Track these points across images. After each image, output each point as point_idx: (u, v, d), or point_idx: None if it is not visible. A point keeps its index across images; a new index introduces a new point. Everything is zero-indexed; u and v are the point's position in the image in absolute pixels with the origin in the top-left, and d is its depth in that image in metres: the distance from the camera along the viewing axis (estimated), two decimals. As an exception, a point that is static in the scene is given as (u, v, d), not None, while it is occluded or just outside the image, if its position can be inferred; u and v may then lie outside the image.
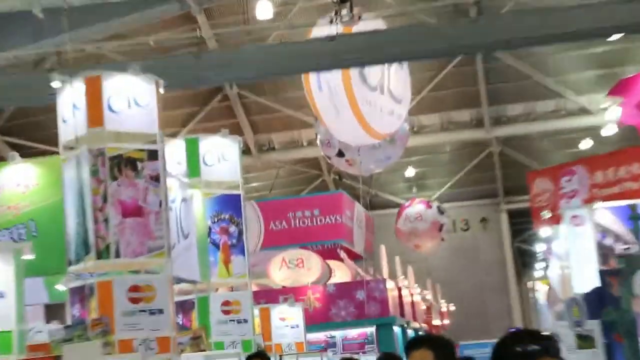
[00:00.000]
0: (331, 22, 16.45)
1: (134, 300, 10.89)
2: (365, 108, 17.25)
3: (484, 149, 31.83)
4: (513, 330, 3.45)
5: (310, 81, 17.91)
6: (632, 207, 10.34)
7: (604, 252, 13.98)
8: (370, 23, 17.45)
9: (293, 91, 27.76)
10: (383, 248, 26.49)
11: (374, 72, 17.78)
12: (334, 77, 17.45)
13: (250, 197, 24.87)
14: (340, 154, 19.67)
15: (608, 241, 14.38)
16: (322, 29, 16.98)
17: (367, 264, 28.26)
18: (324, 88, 17.16)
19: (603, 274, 13.17)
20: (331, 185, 32.89)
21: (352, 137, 18.36)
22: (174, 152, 14.41)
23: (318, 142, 21.27)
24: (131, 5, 17.31)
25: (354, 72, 17.29)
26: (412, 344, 4.49)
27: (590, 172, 20.94)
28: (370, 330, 22.55)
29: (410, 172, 32.95)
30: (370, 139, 18.34)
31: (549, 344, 3.08)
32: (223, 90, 28.85)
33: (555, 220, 18.85)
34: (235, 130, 27.22)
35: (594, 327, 11.59)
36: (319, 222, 25.70)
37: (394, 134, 19.89)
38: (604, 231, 14.22)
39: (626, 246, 14.11)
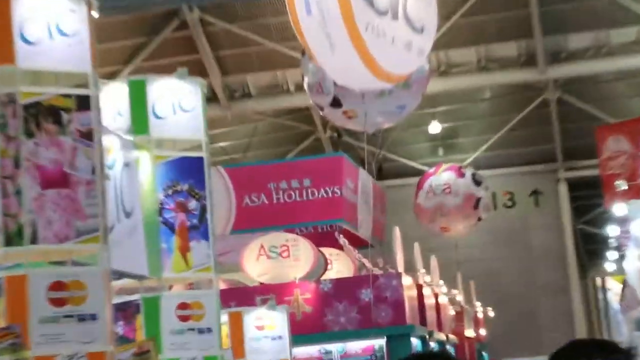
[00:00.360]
0: None
1: (57, 302, 10.88)
2: (370, 38, 16.98)
3: (536, 96, 31.79)
4: (574, 341, 3.48)
5: (295, 1, 17.67)
6: None
7: None
8: None
9: (274, 16, 27.64)
10: (397, 231, 26.53)
11: None
12: None
13: (218, 161, 24.72)
14: (336, 103, 19.37)
15: None
16: None
17: (376, 253, 28.27)
18: (314, 10, 16.91)
19: None
20: (327, 146, 32.75)
21: (352, 78, 18.06)
22: (114, 98, 14.36)
23: (305, 86, 20.97)
24: None
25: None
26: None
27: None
28: (379, 343, 22.62)
29: (435, 127, 32.97)
30: (377, 81, 18.02)
31: (623, 357, 3.08)
32: (180, 14, 28.42)
33: (635, 192, 18.91)
34: (197, 69, 26.94)
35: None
36: (310, 196, 25.66)
37: (410, 76, 19.72)
38: None
39: None
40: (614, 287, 25.07)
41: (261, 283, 23.67)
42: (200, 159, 15.03)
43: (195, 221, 15.27)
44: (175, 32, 29.48)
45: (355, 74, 18.07)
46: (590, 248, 35.38)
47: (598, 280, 30.88)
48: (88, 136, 11.47)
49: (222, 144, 32.83)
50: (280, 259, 23.64)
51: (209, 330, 14.74)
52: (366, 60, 17.43)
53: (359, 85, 18.67)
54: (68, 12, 11.46)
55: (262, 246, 23.75)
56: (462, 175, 29.27)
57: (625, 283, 22.30)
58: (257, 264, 23.84)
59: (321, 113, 21.08)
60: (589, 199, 32.84)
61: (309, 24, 17.53)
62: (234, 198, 24.53)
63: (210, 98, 25.92)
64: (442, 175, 29.34)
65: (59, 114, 11.27)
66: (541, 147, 34.35)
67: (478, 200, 29.09)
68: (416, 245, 27.28)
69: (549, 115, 33.00)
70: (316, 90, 19.58)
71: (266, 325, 18.53)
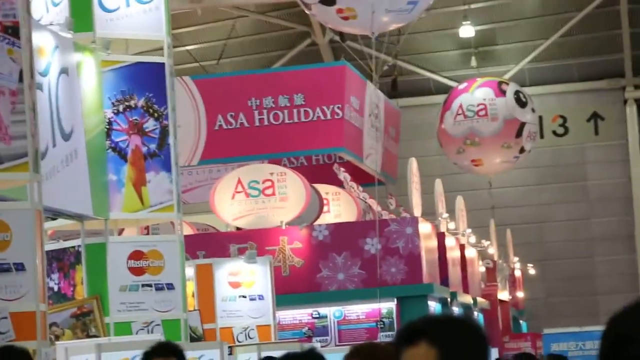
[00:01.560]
0: None
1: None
2: None
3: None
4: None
5: None
6: None
7: None
8: None
9: None
10: (414, 164, 26.58)
11: None
12: None
13: (185, 69, 24.29)
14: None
15: None
16: None
17: (387, 192, 28.32)
18: None
19: None
20: (327, 53, 32.46)
21: None
22: None
23: None
24: None
25: None
26: (405, 337, 4.14)
27: None
28: (389, 306, 22.63)
29: (466, 31, 32.67)
30: None
31: None
32: None
33: None
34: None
35: None
36: (303, 117, 25.71)
37: None
38: None
39: None
40: None
41: (238, 228, 23.71)
42: (161, 65, 15.09)
43: (153, 147, 15.32)
44: None
45: None
46: None
47: None
48: (13, 33, 11.55)
49: (189, 47, 32.40)
50: (263, 197, 23.50)
51: (170, 286, 14.82)
52: None
53: None
54: None
55: (239, 181, 23.53)
56: (502, 93, 29.08)
57: None
58: (232, 204, 23.69)
59: (308, 12, 20.85)
60: None
61: None
62: (204, 118, 24.27)
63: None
64: (476, 93, 29.06)
65: None
66: (605, 57, 33.84)
67: (522, 125, 28.92)
68: (438, 183, 27.24)
69: (615, 15, 32.83)
70: None
71: (243, 281, 18.52)
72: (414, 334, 4.03)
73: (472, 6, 31.15)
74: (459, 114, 28.73)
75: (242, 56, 32.40)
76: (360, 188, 26.43)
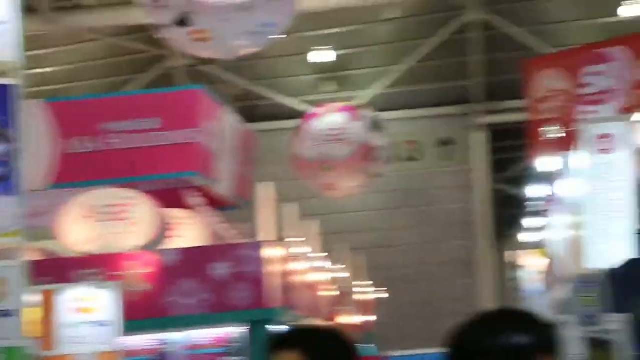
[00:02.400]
0: None
1: None
2: None
3: (453, 17, 31.87)
4: (479, 313, 3.40)
5: None
6: None
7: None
8: None
9: None
10: (264, 188, 26.63)
11: None
12: None
13: (36, 92, 24.08)
14: (183, 21, 19.25)
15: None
16: None
17: (237, 218, 28.36)
18: None
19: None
20: (182, 77, 32.41)
21: None
22: None
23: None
24: None
25: None
26: (276, 344, 4.61)
27: (637, 58, 21.42)
28: (237, 331, 22.53)
29: (321, 56, 32.77)
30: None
31: (544, 332, 3.14)
32: None
33: (568, 142, 19.26)
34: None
35: (618, 326, 11.97)
36: (155, 142, 25.65)
37: None
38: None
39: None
40: (533, 264, 24.92)
41: (85, 254, 23.23)
42: (11, 87, 15.03)
43: (1, 170, 15.28)
44: None
45: None
46: (509, 214, 35.23)
47: (512, 255, 30.46)
48: None
49: (42, 70, 32.11)
50: (112, 222, 23.28)
51: (7, 314, 14.78)
52: None
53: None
54: None
55: (89, 206, 23.41)
56: (357, 117, 29.10)
57: (550, 257, 22.70)
58: (81, 229, 23.29)
59: (160, 35, 20.74)
60: (512, 151, 32.82)
61: None
62: (56, 142, 24.02)
63: (29, 7, 25.39)
64: (331, 118, 29.07)
65: None
66: (456, 83, 34.14)
67: (375, 150, 28.96)
68: (291, 207, 27.26)
69: (469, 42, 33.09)
70: (157, 4, 19.14)
71: (89, 308, 18.36)
72: (287, 341, 4.51)
73: (327, 32, 31.13)
74: (313, 139, 28.68)
75: (95, 79, 31.97)
76: (214, 213, 26.41)
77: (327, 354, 4.46)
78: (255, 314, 22.65)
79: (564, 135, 21.21)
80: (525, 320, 3.25)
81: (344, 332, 4.61)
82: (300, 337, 4.64)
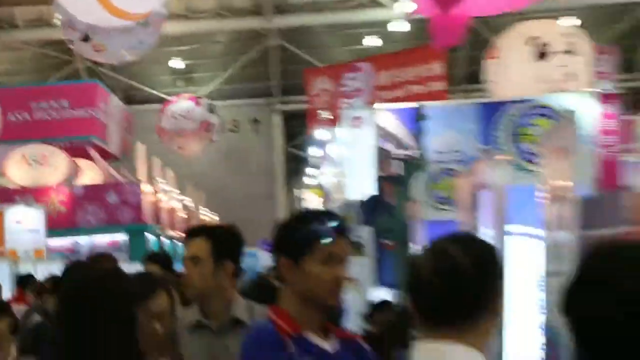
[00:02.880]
0: None
1: None
2: None
3: (261, 41, 31.56)
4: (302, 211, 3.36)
5: None
6: (419, 108, 10.54)
7: (384, 157, 14.32)
8: None
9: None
10: (142, 148, 26.20)
11: None
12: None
13: None
14: (86, 38, 18.73)
15: (388, 146, 14.73)
16: None
17: (122, 165, 27.94)
18: None
19: (381, 180, 13.53)
20: (84, 74, 31.46)
21: (93, 16, 17.40)
22: None
23: (59, 22, 20.19)
24: None
25: None
26: (189, 233, 4.41)
27: (377, 71, 21.40)
28: (123, 237, 22.40)
29: (176, 63, 32.25)
30: (116, 19, 17.50)
31: (343, 222, 3.06)
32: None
33: (334, 122, 19.18)
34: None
35: (365, 234, 11.94)
36: (67, 115, 25.20)
37: (148, 17, 19.18)
38: (386, 135, 14.53)
39: (406, 151, 14.50)
40: (310, 198, 25.16)
41: (22, 186, 22.71)
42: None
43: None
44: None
45: (94, 12, 17.31)
46: (297, 167, 34.84)
47: (298, 192, 30.76)
48: None
49: None
50: (39, 167, 22.89)
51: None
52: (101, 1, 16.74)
53: (100, 22, 17.96)
54: None
55: (23, 155, 22.93)
56: (199, 104, 28.87)
57: (323, 195, 22.72)
58: (19, 171, 22.98)
59: (71, 47, 20.13)
60: (298, 127, 32.32)
61: None
62: (0, 114, 23.40)
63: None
64: (182, 104, 28.74)
65: None
66: (263, 83, 33.62)
67: (211, 125, 28.83)
68: (156, 160, 26.92)
69: (271, 58, 32.70)
70: (68, 26, 18.71)
71: (25, 220, 18.04)
72: (195, 231, 4.32)
73: (181, 48, 30.78)
74: (171, 117, 28.38)
75: (28, 74, 31.15)
76: (106, 162, 26.12)
77: (222, 240, 4.20)
78: (135, 227, 22.53)
79: (332, 117, 21.05)
80: (329, 214, 3.24)
81: (236, 228, 4.47)
82: (204, 228, 4.44)
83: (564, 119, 6.24)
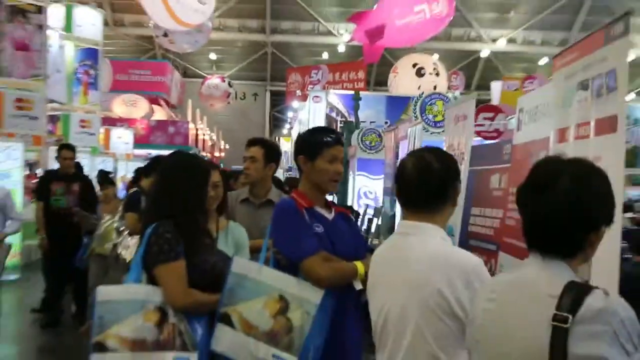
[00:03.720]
0: None
1: (19, 108, 10.11)
2: (173, 4, 16.05)
3: (262, 48, 30.93)
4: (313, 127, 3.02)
5: None
6: (356, 93, 10.42)
7: (329, 121, 14.20)
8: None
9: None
10: (190, 102, 25.85)
11: None
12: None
13: (106, 55, 22.68)
14: (165, 34, 18.41)
15: (333, 114, 14.63)
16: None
17: (178, 111, 27.54)
18: None
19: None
20: (160, 56, 30.53)
21: (167, 23, 17.04)
22: (57, 13, 13.23)
23: (151, 25, 19.71)
24: None
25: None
26: (249, 142, 3.96)
27: (329, 72, 21.15)
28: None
29: (212, 55, 31.45)
30: (180, 26, 17.11)
31: (339, 135, 2.84)
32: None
33: (303, 98, 18.94)
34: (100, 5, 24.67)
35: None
36: (149, 79, 24.67)
37: (200, 26, 18.74)
38: (332, 108, 14.42)
39: (344, 119, 14.39)
40: (284, 143, 24.45)
41: (120, 117, 21.88)
42: (97, 50, 14.08)
43: (92, 81, 14.25)
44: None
45: (167, 22, 16.83)
46: (277, 123, 34.36)
47: (277, 139, 29.61)
48: (40, 27, 10.57)
49: (108, 47, 29.72)
50: (131, 107, 22.38)
51: (94, 134, 13.94)
52: (172, 15, 16.32)
53: (170, 26, 17.34)
54: None
55: (123, 99, 22.37)
56: (223, 81, 27.03)
57: (290, 141, 22.34)
58: (120, 108, 22.27)
59: (156, 40, 19.61)
60: (279, 101, 31.56)
61: None
62: (112, 74, 21.92)
63: (105, 22, 23.77)
64: (214, 80, 26.86)
65: (25, 13, 10.34)
66: (261, 73, 32.33)
67: (229, 94, 26.98)
68: (198, 111, 26.19)
69: (267, 59, 31.52)
70: (156, 27, 18.20)
71: (122, 136, 17.49)
72: (253, 141, 3.87)
73: (216, 47, 29.55)
74: (207, 87, 26.78)
75: (128, 54, 29.33)
76: (169, 109, 25.57)
77: (274, 151, 3.87)
78: (182, 147, 20.80)
79: (302, 95, 20.45)
80: (333, 131, 2.95)
81: (278, 145, 4.19)
82: (261, 140, 3.95)
83: (450, 101, 6.16)
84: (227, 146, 32.74)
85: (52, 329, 6.74)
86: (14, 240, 7.43)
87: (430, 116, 5.96)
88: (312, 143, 2.77)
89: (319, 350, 2.48)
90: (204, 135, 26.84)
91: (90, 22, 14.25)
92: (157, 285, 2.54)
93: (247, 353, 2.50)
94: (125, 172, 14.91)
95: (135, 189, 5.72)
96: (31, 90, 10.34)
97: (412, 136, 4.99)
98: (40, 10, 10.66)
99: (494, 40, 27.43)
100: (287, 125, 24.53)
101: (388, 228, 5.76)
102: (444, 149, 3.29)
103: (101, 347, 2.43)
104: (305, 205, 2.69)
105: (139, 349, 2.45)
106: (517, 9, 26.26)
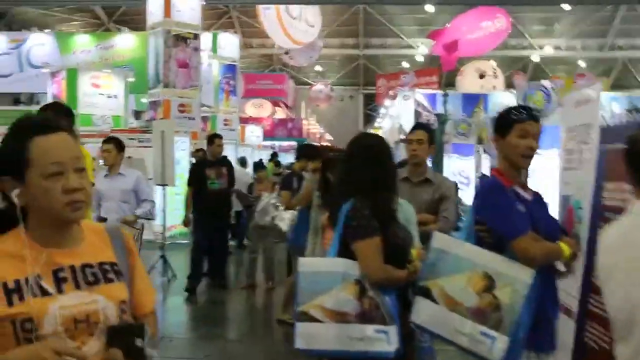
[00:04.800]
0: None
1: (181, 111, 10.14)
2: (289, 27, 15.81)
3: (356, 60, 30.17)
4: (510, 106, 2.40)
5: (262, 13, 16.03)
6: (445, 94, 9.82)
7: (418, 114, 13.53)
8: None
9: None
10: (302, 104, 25.72)
11: (292, 7, 16.13)
12: (269, 10, 15.74)
13: (240, 70, 22.68)
14: (287, 52, 18.40)
15: (420, 109, 13.94)
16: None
17: (293, 111, 27.44)
18: (267, 13, 15.53)
19: (417, 125, 12.83)
20: (278, 69, 30.52)
21: (284, 43, 16.85)
22: (207, 39, 13.27)
23: (277, 46, 19.67)
24: None
25: (282, 7, 15.67)
26: (416, 126, 3.48)
27: (419, 76, 20.44)
28: (294, 143, 21.27)
29: (318, 67, 30.82)
30: (295, 45, 16.84)
31: (533, 111, 2.25)
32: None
33: (393, 97, 18.32)
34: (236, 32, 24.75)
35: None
36: (271, 87, 24.69)
37: (312, 44, 18.43)
38: (418, 104, 13.71)
39: (428, 113, 13.67)
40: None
41: (250, 116, 21.62)
42: (235, 66, 14.01)
43: (232, 89, 14.29)
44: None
45: (285, 41, 16.62)
46: (369, 118, 32.80)
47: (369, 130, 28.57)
48: (196, 50, 10.55)
49: (242, 65, 30.08)
50: (259, 108, 22.50)
51: (234, 130, 13.92)
52: (287, 35, 16.13)
53: (288, 45, 17.15)
54: (193, 2, 10.53)
55: (253, 103, 22.57)
56: (327, 87, 27.42)
57: (382, 132, 21.55)
58: (251, 109, 22.28)
59: (280, 56, 19.61)
60: (371, 100, 30.54)
61: (267, 20, 15.93)
62: (243, 84, 22.13)
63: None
64: (319, 86, 26.91)
65: (186, 39, 10.34)
66: (355, 79, 31.81)
67: (331, 97, 27.12)
68: (308, 110, 25.91)
69: (360, 69, 30.99)
70: (278, 47, 18.14)
71: (254, 131, 17.57)
72: (417, 126, 3.42)
73: (322, 61, 28.94)
74: (314, 91, 26.61)
75: (255, 68, 28.92)
76: (288, 109, 25.45)
77: (432, 133, 3.37)
78: (299, 139, 20.69)
79: (393, 95, 19.72)
80: (527, 108, 2.32)
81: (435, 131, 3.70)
82: (426, 125, 3.44)
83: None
84: (330, 137, 32.50)
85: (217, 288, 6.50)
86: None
87: (531, 104, 5.35)
88: (503, 119, 2.21)
89: (527, 330, 1.97)
90: (313, 129, 26.62)
91: (230, 45, 14.27)
92: (353, 259, 2.14)
93: (451, 327, 2.01)
94: (257, 157, 14.88)
95: (289, 171, 5.66)
96: (190, 98, 10.36)
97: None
98: (196, 37, 10.76)
99: (542, 47, 25.88)
100: (379, 120, 23.87)
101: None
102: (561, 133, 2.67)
103: (306, 317, 2.08)
104: (507, 184, 2.15)
105: (342, 320, 2.07)
106: (560, 21, 24.57)
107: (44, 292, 1.23)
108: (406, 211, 2.45)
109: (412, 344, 2.21)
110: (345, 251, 2.16)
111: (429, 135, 3.35)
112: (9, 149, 1.27)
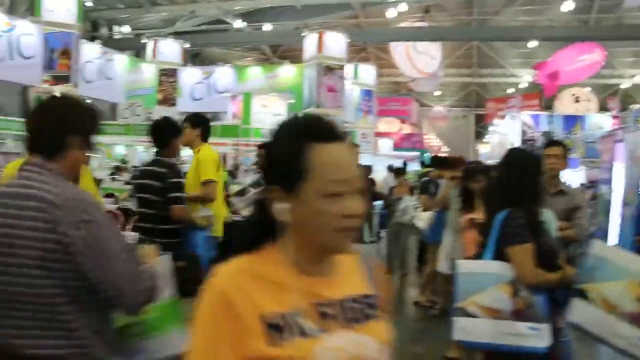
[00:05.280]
0: None
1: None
2: (414, 59, 16.44)
3: (469, 87, 29.19)
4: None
5: (393, 48, 16.88)
6: (550, 114, 9.90)
7: (523, 132, 13.42)
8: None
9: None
10: (425, 122, 25.69)
11: (418, 43, 16.56)
12: (399, 46, 16.38)
13: (376, 94, 22.23)
14: (413, 80, 18.90)
15: (525, 128, 13.82)
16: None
17: (417, 128, 27.10)
18: (398, 49, 16.31)
19: (523, 142, 12.73)
20: (404, 94, 30.54)
21: (411, 73, 17.42)
22: (350, 68, 12.98)
23: (404, 74, 20.19)
24: None
25: (410, 43, 16.27)
26: (551, 143, 3.22)
27: (523, 100, 19.84)
28: (417, 153, 18.75)
29: (437, 92, 29.34)
30: (419, 74, 17.36)
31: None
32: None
33: (501, 117, 18.12)
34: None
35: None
36: (401, 109, 24.22)
37: (434, 74, 18.88)
38: (524, 123, 13.62)
39: (533, 131, 13.53)
40: (482, 147, 21.46)
41: (379, 132, 20.43)
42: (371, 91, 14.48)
43: (369, 110, 15.01)
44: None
45: (412, 71, 17.23)
46: (478, 134, 28.85)
47: (478, 144, 25.03)
48: (340, 77, 11.32)
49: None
50: (395, 123, 22.53)
51: (370, 141, 14.05)
52: (413, 66, 16.69)
53: (412, 74, 17.71)
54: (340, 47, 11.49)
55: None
56: (444, 108, 26.68)
57: (489, 146, 20.66)
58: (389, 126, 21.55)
59: (408, 83, 20.10)
60: (481, 120, 28.25)
61: (397, 54, 16.72)
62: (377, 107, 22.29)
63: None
64: (438, 108, 26.38)
65: (333, 69, 11.10)
66: (467, 102, 29.95)
67: (446, 116, 26.77)
68: (430, 127, 25.16)
69: (472, 95, 29.67)
70: (405, 75, 18.56)
71: (383, 145, 17.64)
72: (553, 142, 3.25)
73: (440, 87, 27.72)
74: (432, 112, 26.22)
75: (387, 93, 28.54)
76: (412, 125, 24.33)
77: (567, 148, 3.13)
78: (422, 150, 19.44)
79: (502, 116, 19.07)
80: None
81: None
82: (560, 142, 3.25)
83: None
84: (448, 149, 31.54)
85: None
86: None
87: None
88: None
89: None
90: (432, 142, 26.47)
91: (367, 74, 15.17)
92: (506, 261, 2.04)
93: (608, 329, 1.86)
94: (386, 164, 15.04)
95: (426, 178, 5.62)
96: (334, 116, 11.32)
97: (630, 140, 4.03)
98: (341, 67, 11.67)
99: (632, 77, 23.71)
100: (487, 136, 23.10)
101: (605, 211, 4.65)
102: None
103: (463, 312, 2.02)
104: None
105: (497, 317, 1.99)
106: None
107: (306, 330, 0.91)
108: (548, 218, 2.36)
109: (559, 339, 2.08)
110: (500, 255, 2.08)
111: (564, 150, 3.16)
112: (284, 154, 0.94)
